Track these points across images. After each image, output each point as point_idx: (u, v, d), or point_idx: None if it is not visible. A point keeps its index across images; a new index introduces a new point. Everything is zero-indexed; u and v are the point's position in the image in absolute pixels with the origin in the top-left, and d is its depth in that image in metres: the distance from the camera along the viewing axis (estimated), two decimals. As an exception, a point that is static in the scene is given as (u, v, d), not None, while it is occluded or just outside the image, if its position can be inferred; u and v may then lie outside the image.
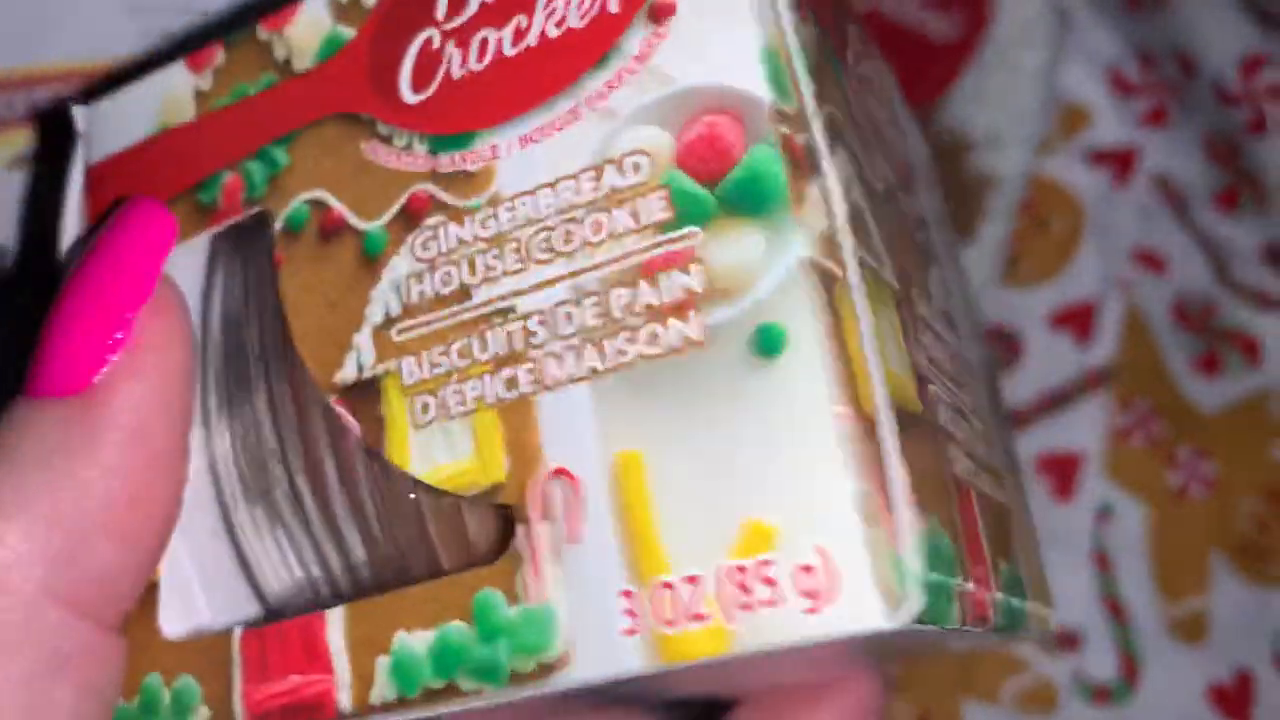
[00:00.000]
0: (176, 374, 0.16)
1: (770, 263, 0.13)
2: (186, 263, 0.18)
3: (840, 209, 0.13)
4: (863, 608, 0.12)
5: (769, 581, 0.12)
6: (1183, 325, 0.47)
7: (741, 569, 0.12)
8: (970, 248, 0.41)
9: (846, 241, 0.13)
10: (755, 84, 0.13)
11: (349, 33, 0.16)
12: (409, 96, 0.15)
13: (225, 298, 0.17)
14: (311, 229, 0.15)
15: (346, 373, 0.15)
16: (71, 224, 0.18)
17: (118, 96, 0.19)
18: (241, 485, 0.16)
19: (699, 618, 0.12)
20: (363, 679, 0.14)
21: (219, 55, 0.17)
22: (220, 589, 0.17)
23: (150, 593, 0.16)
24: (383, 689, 0.14)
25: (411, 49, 0.15)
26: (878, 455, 0.12)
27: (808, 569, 0.12)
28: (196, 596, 0.16)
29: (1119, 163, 0.49)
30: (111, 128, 0.19)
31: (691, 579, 0.12)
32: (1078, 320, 0.46)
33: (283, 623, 0.14)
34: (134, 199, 0.17)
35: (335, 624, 0.14)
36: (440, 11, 0.15)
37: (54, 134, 0.25)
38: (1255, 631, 0.42)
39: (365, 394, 0.15)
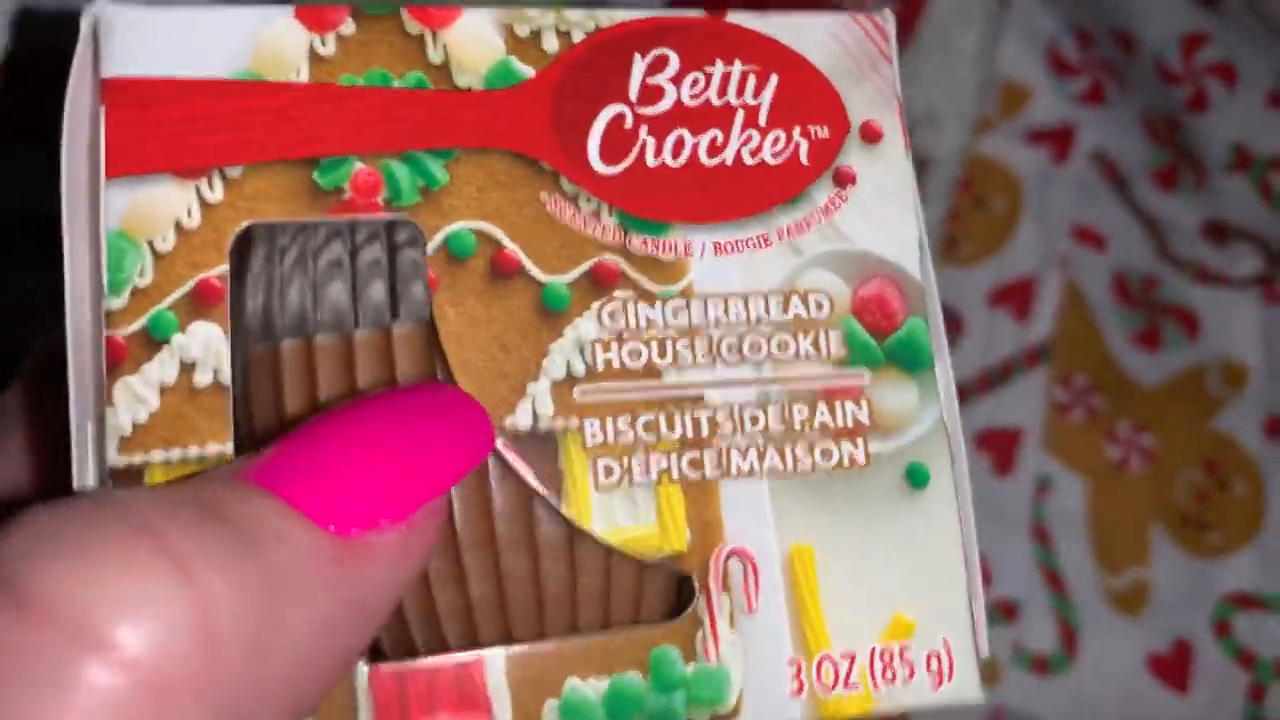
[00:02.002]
0: (417, 574, 0.16)
1: (920, 414, 0.18)
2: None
3: (946, 385, 0.18)
4: (968, 686, 0.17)
5: (906, 662, 0.17)
6: (1122, 300, 0.47)
7: (888, 651, 0.17)
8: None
9: (951, 410, 0.19)
10: (913, 265, 0.18)
11: (526, 70, 0.17)
12: (598, 165, 0.18)
13: (329, 282, 0.17)
14: (480, 262, 0.17)
15: (520, 419, 0.17)
16: (78, 133, 0.18)
17: (166, 13, 0.18)
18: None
19: (852, 686, 0.17)
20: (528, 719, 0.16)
21: (346, 22, 0.17)
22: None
23: None
24: None
25: (601, 117, 0.18)
26: (975, 573, 0.19)
27: (935, 655, 0.17)
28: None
29: (1057, 141, 0.49)
30: (151, 44, 0.18)
31: (848, 655, 0.17)
32: (1016, 297, 0.47)
33: (429, 662, 0.16)
34: (465, 397, 0.17)
35: (496, 666, 0.16)
36: (633, 92, 0.18)
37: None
38: (1194, 601, 0.43)
39: (541, 444, 0.17)
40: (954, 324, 0.46)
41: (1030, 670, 0.42)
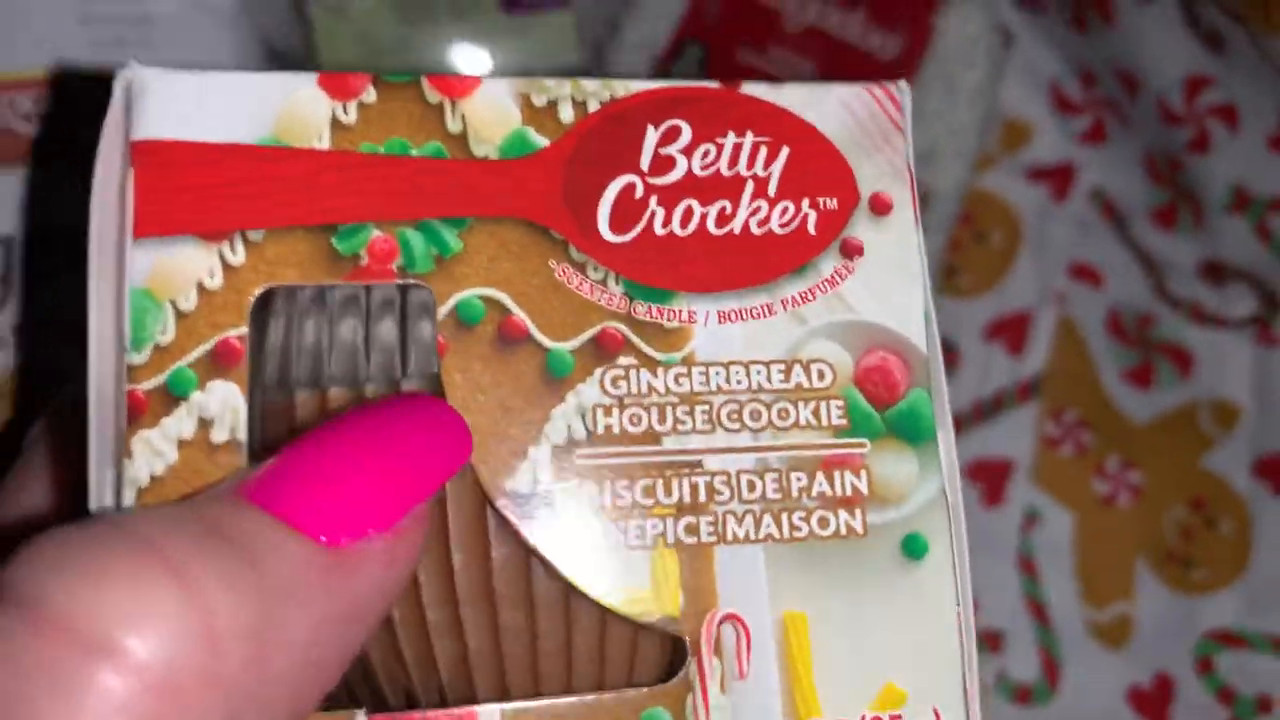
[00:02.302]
0: (407, 577, 0.16)
1: (920, 485, 0.18)
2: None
3: (948, 458, 0.18)
4: (957, 758, 0.17)
5: None
6: (1117, 337, 0.48)
7: (878, 719, 0.17)
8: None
9: (953, 482, 0.20)
10: (918, 337, 0.18)
11: (540, 140, 0.18)
12: (607, 234, 0.18)
13: (344, 344, 0.18)
14: (488, 328, 0.17)
15: (520, 482, 0.17)
16: (107, 193, 0.19)
17: (196, 78, 0.19)
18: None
19: None
20: None
21: (368, 90, 0.17)
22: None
23: None
24: None
25: (613, 187, 0.18)
26: (970, 650, 0.19)
27: None
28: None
29: (1057, 178, 0.50)
30: (180, 108, 0.19)
31: None
32: (1011, 331, 0.48)
33: (424, 714, 0.16)
34: (443, 405, 0.18)
35: (490, 719, 0.16)
36: (645, 163, 0.18)
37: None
38: (1177, 637, 0.44)
39: (538, 504, 0.17)
40: (950, 355, 0.47)
41: (1012, 700, 0.43)
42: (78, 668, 0.13)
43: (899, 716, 0.19)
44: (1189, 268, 0.49)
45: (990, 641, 0.44)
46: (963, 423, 0.46)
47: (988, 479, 0.46)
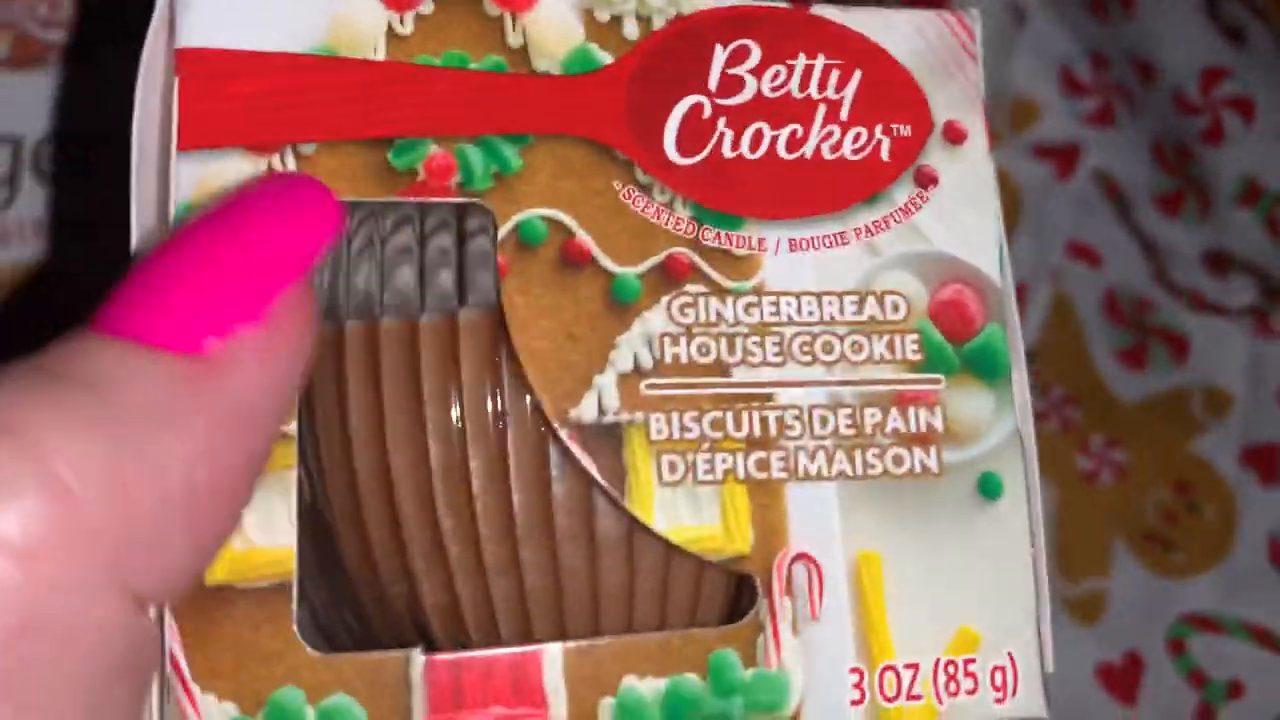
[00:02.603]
0: (297, 370, 0.15)
1: (995, 422, 0.17)
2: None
3: (1022, 396, 0.17)
4: (1031, 702, 0.16)
5: (971, 675, 0.16)
6: (1112, 318, 0.48)
7: (952, 663, 0.17)
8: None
9: (1027, 421, 0.19)
10: (993, 270, 0.17)
11: (604, 56, 0.17)
12: (674, 155, 0.17)
13: (396, 267, 0.17)
14: (550, 250, 0.16)
15: (585, 410, 0.16)
16: (150, 104, 0.18)
17: None
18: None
19: (915, 698, 0.16)
20: (583, 716, 0.16)
21: (425, 1, 0.16)
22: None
23: (283, 593, 0.16)
24: None
25: (680, 107, 0.17)
26: (1044, 593, 0.18)
27: (1000, 669, 0.16)
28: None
29: (1062, 157, 0.50)
30: (229, 16, 0.18)
31: (911, 666, 0.16)
32: None
33: (485, 654, 0.15)
34: (303, 180, 0.16)
35: (553, 661, 0.16)
36: (713, 83, 0.17)
37: None
38: (1151, 617, 0.43)
39: (605, 437, 0.16)
40: None
41: None
42: None
43: (973, 660, 0.18)
44: (1192, 256, 0.49)
45: None
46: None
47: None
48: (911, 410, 0.19)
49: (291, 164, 0.17)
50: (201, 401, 0.14)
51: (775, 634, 0.18)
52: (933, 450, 0.19)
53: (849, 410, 0.18)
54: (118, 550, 0.13)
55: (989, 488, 0.19)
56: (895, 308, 0.19)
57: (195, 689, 0.16)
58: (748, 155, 0.19)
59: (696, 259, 0.18)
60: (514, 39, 0.18)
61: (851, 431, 0.18)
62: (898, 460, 0.18)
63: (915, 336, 0.19)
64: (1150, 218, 0.49)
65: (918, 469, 0.19)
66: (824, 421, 0.18)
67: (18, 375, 0.13)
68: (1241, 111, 0.48)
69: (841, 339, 0.19)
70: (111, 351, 0.13)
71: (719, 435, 0.18)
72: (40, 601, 0.12)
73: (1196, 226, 0.49)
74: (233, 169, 0.17)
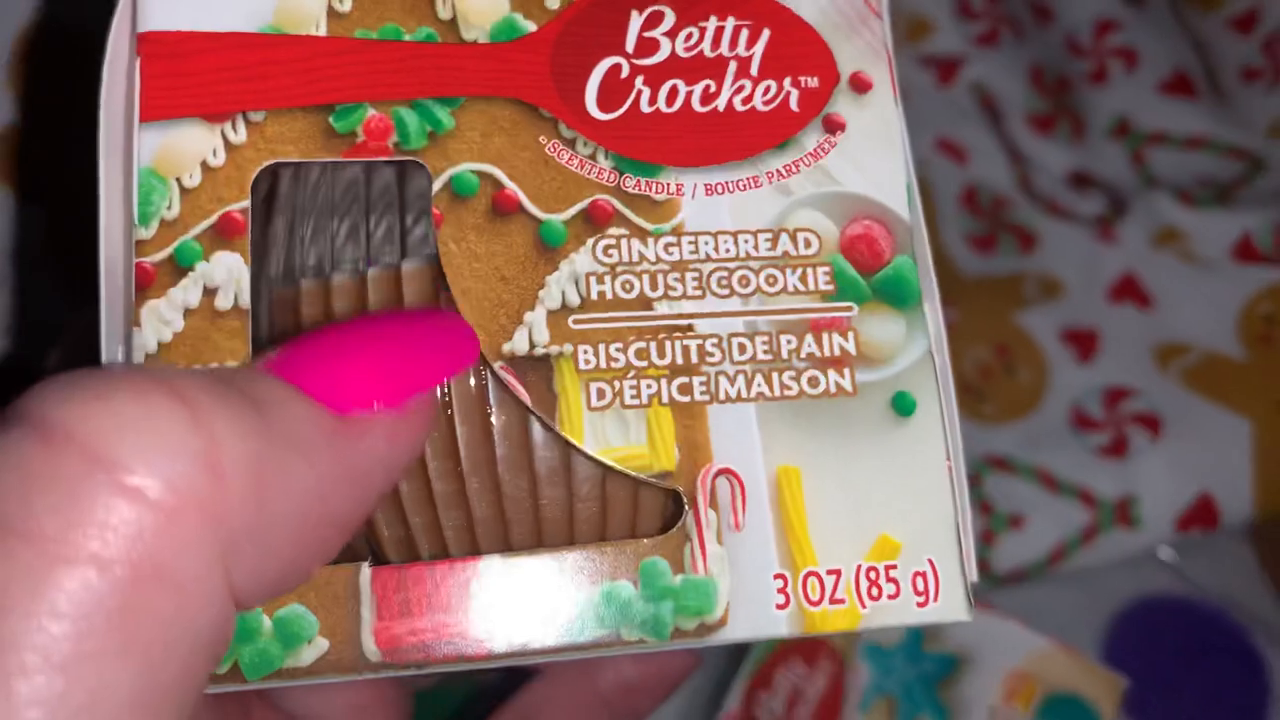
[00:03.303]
0: (407, 458, 0.17)
1: (907, 345, 0.18)
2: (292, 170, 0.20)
3: (935, 322, 0.18)
4: (953, 607, 0.17)
5: (893, 580, 0.17)
6: (968, 208, 0.52)
7: (873, 569, 0.18)
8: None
9: (940, 344, 0.20)
10: (901, 207, 0.18)
11: (528, 25, 0.18)
12: (595, 112, 0.18)
13: (342, 215, 0.18)
14: (482, 201, 0.18)
15: (517, 344, 0.18)
16: (116, 82, 0.19)
17: None
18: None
19: (838, 601, 0.17)
20: (521, 624, 0.17)
21: None
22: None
23: None
24: (543, 635, 0.17)
25: (599, 68, 0.19)
26: (963, 503, 0.19)
27: (921, 575, 0.17)
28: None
29: (945, 68, 0.55)
30: (186, 3, 0.20)
31: (834, 572, 0.17)
32: None
33: (428, 564, 0.17)
34: (461, 323, 0.18)
35: (492, 572, 0.17)
36: (630, 44, 0.19)
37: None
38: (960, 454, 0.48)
39: (536, 368, 0.17)
40: None
41: None
42: (80, 479, 0.13)
43: (894, 566, 0.19)
44: (1057, 173, 0.53)
45: None
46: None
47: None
48: (825, 336, 0.20)
49: (243, 131, 0.19)
50: (334, 451, 0.15)
51: (701, 543, 0.19)
52: (847, 372, 0.20)
53: (765, 337, 0.20)
54: (237, 537, 0.14)
55: (903, 405, 0.20)
56: (807, 243, 0.20)
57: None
58: (664, 109, 0.20)
59: (618, 205, 0.20)
60: (444, 12, 0.20)
61: (768, 357, 0.20)
62: (813, 382, 0.20)
63: (827, 269, 0.20)
64: (1021, 132, 0.54)
65: (833, 389, 0.20)
66: (742, 349, 0.20)
67: (202, 374, 0.15)
68: (1125, 60, 0.54)
69: (757, 273, 0.20)
70: (278, 386, 0.15)
71: (643, 364, 0.19)
72: (169, 555, 0.13)
73: (1066, 148, 0.53)
74: (189, 136, 0.19)
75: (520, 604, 0.18)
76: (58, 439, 0.13)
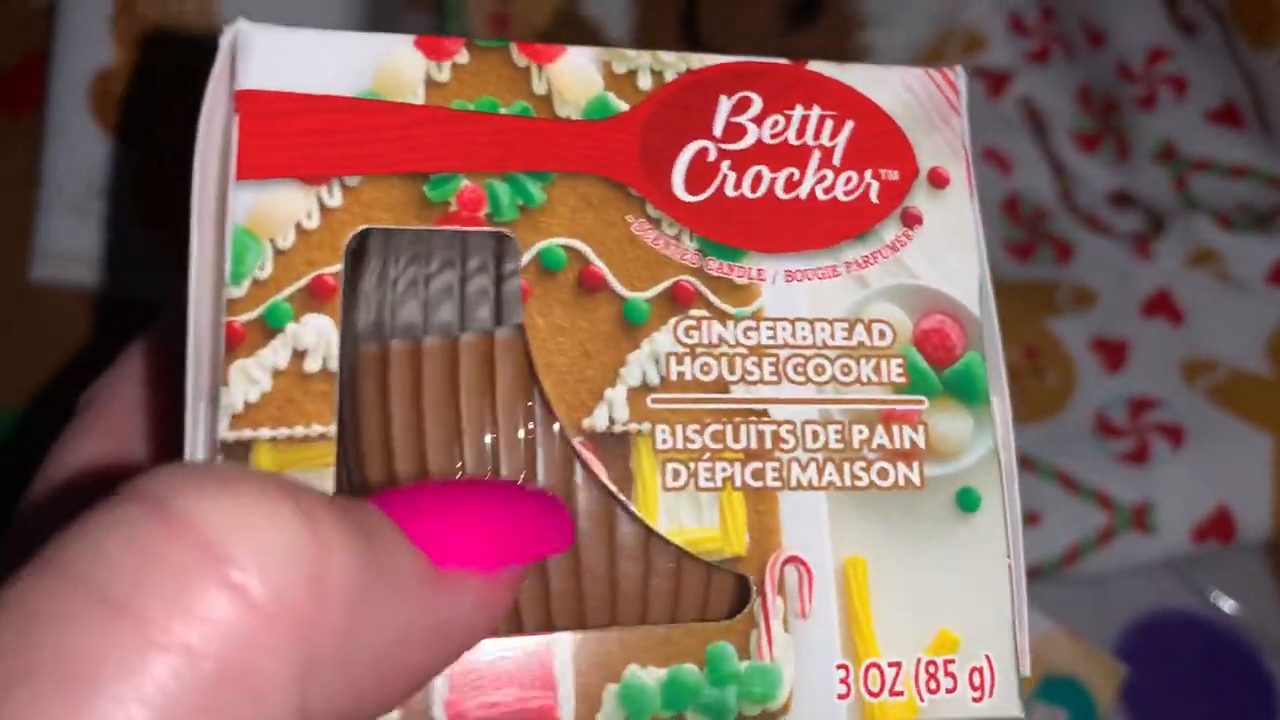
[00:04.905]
0: (490, 625, 0.17)
1: (975, 442, 0.18)
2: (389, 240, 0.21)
3: (1003, 419, 0.19)
4: (1008, 702, 0.17)
5: (951, 675, 0.17)
6: (1010, 216, 0.53)
7: (933, 663, 0.18)
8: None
9: (1007, 442, 0.20)
10: (973, 303, 0.19)
11: (621, 104, 0.19)
12: (682, 193, 0.18)
13: (439, 299, 0.18)
14: (569, 275, 0.18)
15: (597, 420, 0.18)
16: (212, 138, 0.19)
17: (298, 35, 0.20)
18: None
19: (897, 694, 0.17)
20: (588, 702, 0.17)
21: (461, 52, 0.18)
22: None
23: None
24: (610, 713, 0.17)
25: (687, 151, 0.19)
26: (1021, 601, 0.19)
27: (978, 670, 0.17)
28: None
29: (995, 81, 0.56)
30: (283, 62, 0.20)
31: (895, 664, 0.18)
32: None
33: (502, 640, 0.17)
34: (561, 507, 0.19)
35: (563, 649, 0.17)
36: (718, 129, 0.19)
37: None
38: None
39: (615, 444, 0.18)
40: None
41: None
42: (192, 568, 0.13)
43: (952, 661, 0.19)
44: (1099, 189, 0.54)
45: None
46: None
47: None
48: (896, 428, 0.20)
49: (339, 194, 0.19)
50: (426, 600, 0.16)
51: (768, 630, 0.19)
52: (915, 465, 0.20)
53: (838, 426, 0.20)
54: (324, 659, 0.14)
55: (967, 502, 0.20)
56: (882, 335, 0.20)
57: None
58: (748, 195, 0.20)
59: (701, 286, 0.20)
60: (539, 87, 0.20)
61: (840, 446, 0.20)
62: (883, 474, 0.20)
63: (900, 361, 0.20)
64: (1066, 148, 0.54)
65: (901, 482, 0.20)
66: (815, 436, 0.20)
67: (322, 495, 0.15)
68: (1175, 88, 0.54)
69: (832, 361, 0.20)
70: (388, 525, 0.15)
71: (719, 446, 0.19)
72: (257, 659, 0.13)
73: (1109, 167, 0.54)
74: (284, 197, 0.19)
75: (588, 681, 0.18)
76: (177, 525, 0.13)
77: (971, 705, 0.19)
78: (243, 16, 0.19)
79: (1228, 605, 0.47)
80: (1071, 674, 0.41)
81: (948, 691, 0.19)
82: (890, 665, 0.19)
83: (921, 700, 0.19)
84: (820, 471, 0.20)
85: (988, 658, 0.19)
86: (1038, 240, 0.53)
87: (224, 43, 0.19)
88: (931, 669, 0.19)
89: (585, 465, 0.19)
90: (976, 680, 0.19)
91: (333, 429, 0.18)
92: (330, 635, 0.14)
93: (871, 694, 0.19)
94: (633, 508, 0.19)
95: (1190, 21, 0.55)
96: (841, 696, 0.19)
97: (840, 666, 0.19)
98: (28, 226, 0.41)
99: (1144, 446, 0.47)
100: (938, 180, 0.21)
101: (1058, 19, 0.57)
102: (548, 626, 0.19)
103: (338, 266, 0.19)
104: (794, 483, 0.19)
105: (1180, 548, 0.46)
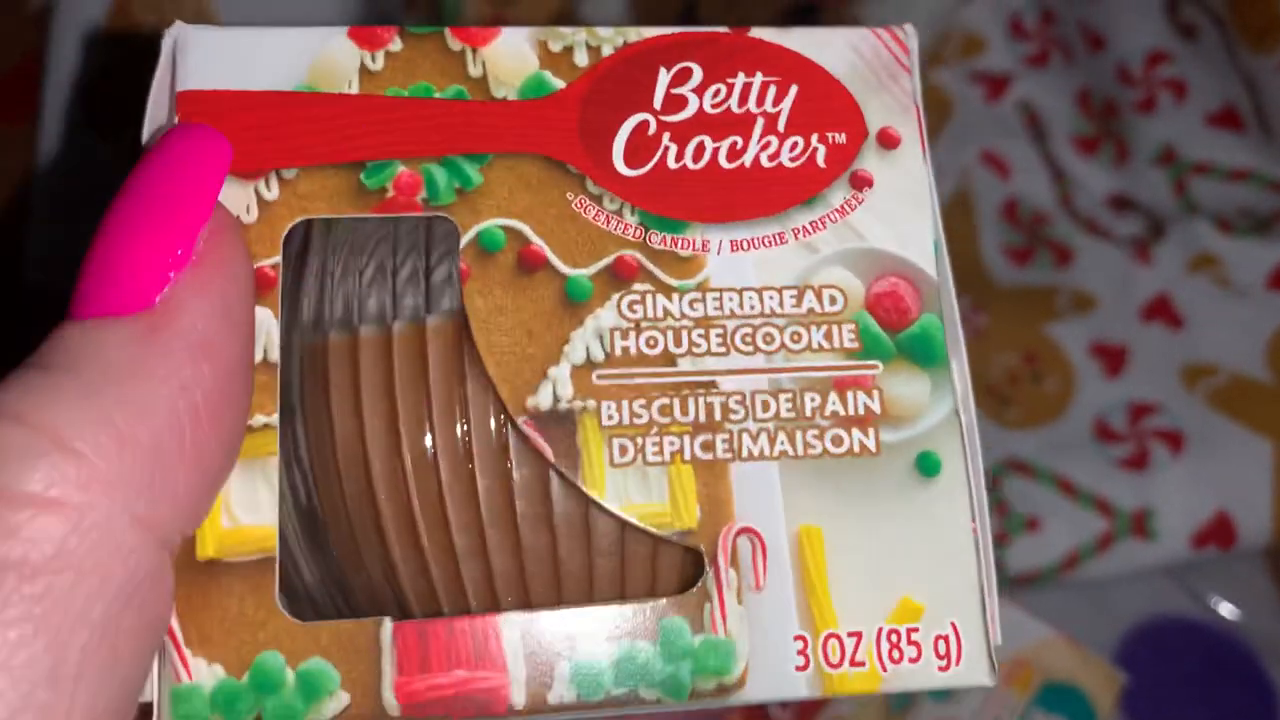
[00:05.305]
0: (240, 290, 0.17)
1: (932, 405, 0.18)
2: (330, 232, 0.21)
3: (962, 381, 0.18)
4: (976, 671, 0.17)
5: (914, 644, 0.17)
6: (1008, 220, 0.53)
7: (895, 632, 0.17)
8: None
9: (967, 403, 0.20)
10: (928, 264, 0.18)
11: (557, 82, 0.18)
12: (622, 168, 0.18)
13: (369, 289, 0.18)
14: (509, 256, 0.17)
15: (541, 399, 0.17)
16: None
17: (236, 34, 0.20)
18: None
19: (858, 664, 0.17)
20: (539, 681, 0.16)
21: (394, 40, 0.18)
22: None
23: (266, 567, 0.18)
24: (561, 692, 0.16)
25: (627, 125, 0.18)
26: (987, 565, 0.17)
27: (943, 638, 0.17)
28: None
29: (994, 84, 0.56)
30: (221, 62, 0.20)
31: (855, 634, 0.17)
32: None
33: (448, 619, 0.16)
34: (186, 125, 0.19)
35: (513, 628, 0.16)
36: (658, 102, 0.18)
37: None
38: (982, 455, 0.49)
39: (560, 423, 0.17)
40: None
41: None
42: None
43: (916, 629, 0.19)
44: (1098, 193, 0.54)
45: None
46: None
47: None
48: (850, 394, 0.20)
49: (276, 188, 0.19)
50: (162, 347, 0.16)
51: (721, 603, 0.19)
52: (871, 431, 0.19)
53: (789, 395, 0.19)
54: (127, 489, 0.15)
55: (927, 466, 0.19)
56: (833, 300, 0.20)
57: (188, 653, 0.17)
58: (691, 166, 0.20)
59: (644, 260, 0.20)
60: (475, 70, 0.20)
61: (792, 415, 0.19)
62: (837, 440, 0.19)
63: (852, 327, 0.20)
64: (1065, 151, 0.54)
65: (856, 448, 0.19)
66: (765, 406, 0.19)
67: (19, 375, 0.16)
68: (1175, 91, 0.54)
69: (781, 330, 0.20)
70: (80, 332, 0.16)
71: (667, 420, 0.19)
72: (66, 540, 0.14)
73: (1108, 170, 0.54)
74: (224, 192, 0.19)
75: (539, 660, 0.18)
76: None
77: (937, 675, 0.19)
78: (239, 21, 0.20)
79: (1228, 611, 0.47)
80: (1070, 681, 0.40)
81: (911, 661, 0.19)
82: (850, 635, 0.19)
83: (884, 670, 0.19)
84: (772, 441, 0.19)
85: (954, 625, 0.19)
86: (1037, 245, 0.53)
87: (165, 46, 0.20)
88: (894, 638, 0.19)
89: (524, 439, 0.19)
90: (942, 649, 0.19)
91: (275, 419, 0.18)
92: (120, 470, 0.15)
93: (831, 665, 0.19)
94: (568, 474, 0.19)
95: (1189, 25, 0.55)
96: (800, 668, 0.18)
97: (798, 638, 0.19)
98: (22, 230, 0.43)
99: (1144, 452, 0.47)
100: (888, 141, 0.21)
101: (1057, 22, 0.56)
102: (494, 607, 0.19)
103: (277, 259, 0.19)
104: (745, 454, 0.19)
105: (1180, 554, 0.46)
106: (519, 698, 0.18)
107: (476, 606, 0.19)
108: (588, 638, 0.18)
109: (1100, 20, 0.56)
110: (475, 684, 0.18)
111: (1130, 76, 0.55)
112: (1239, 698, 0.44)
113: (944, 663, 0.19)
